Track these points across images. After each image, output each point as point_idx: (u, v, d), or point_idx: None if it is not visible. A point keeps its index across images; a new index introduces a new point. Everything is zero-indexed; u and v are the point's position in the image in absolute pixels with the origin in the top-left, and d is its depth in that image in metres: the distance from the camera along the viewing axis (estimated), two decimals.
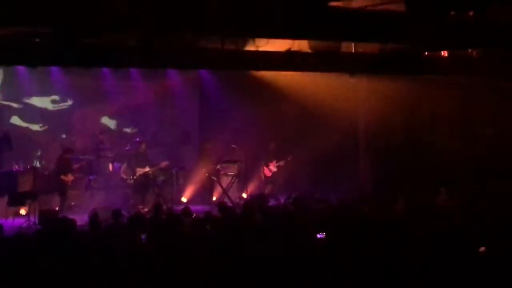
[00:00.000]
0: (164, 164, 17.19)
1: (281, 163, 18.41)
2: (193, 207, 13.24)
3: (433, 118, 17.39)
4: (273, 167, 18.45)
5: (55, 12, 7.98)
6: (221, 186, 17.74)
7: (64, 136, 17.87)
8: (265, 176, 18.51)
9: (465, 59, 14.58)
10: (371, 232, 9.65)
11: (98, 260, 8.40)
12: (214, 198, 17.72)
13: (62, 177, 15.80)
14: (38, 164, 16.31)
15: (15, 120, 17.46)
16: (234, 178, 18.04)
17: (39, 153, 16.60)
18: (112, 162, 17.53)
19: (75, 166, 16.37)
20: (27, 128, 17.57)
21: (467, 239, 9.03)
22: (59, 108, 18.09)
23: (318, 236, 9.86)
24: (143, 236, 9.94)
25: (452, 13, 9.17)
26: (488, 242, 8.94)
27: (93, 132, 18.04)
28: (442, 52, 14.65)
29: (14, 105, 17.41)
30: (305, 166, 18.80)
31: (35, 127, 17.75)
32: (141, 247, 9.52)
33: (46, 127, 17.87)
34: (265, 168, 18.46)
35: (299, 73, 16.25)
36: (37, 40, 11.71)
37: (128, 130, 18.93)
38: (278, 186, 18.48)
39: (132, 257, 8.57)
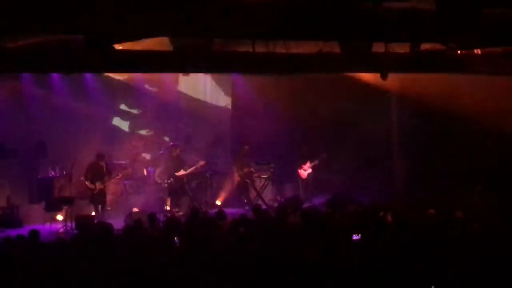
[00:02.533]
0: (201, 163, 17.21)
1: (316, 162, 18.36)
2: (227, 210, 13.28)
3: (468, 117, 17.19)
4: (307, 167, 18.40)
5: (86, 20, 8.06)
6: (255, 189, 17.75)
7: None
8: (301, 179, 18.47)
9: (499, 57, 14.40)
10: (405, 234, 9.61)
11: (133, 264, 8.48)
12: (248, 201, 17.71)
13: (88, 184, 15.68)
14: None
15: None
16: (267, 181, 18.05)
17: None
18: (147, 167, 17.67)
19: (118, 176, 16.38)
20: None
21: (502, 239, 8.95)
22: None
23: (354, 237, 9.82)
24: (176, 240, 9.99)
25: (483, 10, 9.06)
26: None
27: None
28: (476, 51, 14.48)
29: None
30: (340, 168, 18.72)
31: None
32: (176, 250, 9.58)
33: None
34: (300, 171, 18.44)
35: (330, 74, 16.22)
36: (70, 47, 11.82)
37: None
38: (314, 189, 18.43)
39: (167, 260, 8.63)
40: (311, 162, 18.38)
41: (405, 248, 8.70)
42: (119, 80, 18.04)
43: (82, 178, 15.88)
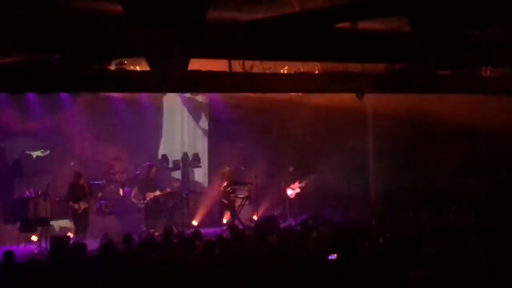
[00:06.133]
0: (175, 186, 17.14)
1: (305, 182, 18.36)
2: (203, 230, 13.24)
3: (442, 136, 17.36)
4: (296, 187, 18.37)
5: (63, 40, 8.06)
6: (232, 209, 17.71)
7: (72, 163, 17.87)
8: (288, 198, 18.47)
9: (472, 77, 14.59)
10: (380, 253, 9.63)
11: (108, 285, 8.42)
12: (225, 221, 17.66)
13: (71, 204, 15.54)
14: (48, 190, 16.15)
15: None
16: (244, 201, 18.02)
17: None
18: (123, 187, 17.58)
19: (99, 195, 16.17)
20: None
21: (477, 259, 8.98)
22: None
23: (330, 257, 9.82)
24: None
25: (456, 33, 9.20)
26: (499, 262, 8.88)
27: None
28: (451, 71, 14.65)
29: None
30: (318, 187, 18.73)
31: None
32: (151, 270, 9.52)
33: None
34: (287, 189, 18.43)
35: (306, 94, 16.31)
36: (46, 67, 11.75)
37: None
38: (299, 207, 18.38)
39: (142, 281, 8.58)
40: (299, 182, 18.37)
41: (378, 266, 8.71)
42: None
43: (61, 199, 15.77)
